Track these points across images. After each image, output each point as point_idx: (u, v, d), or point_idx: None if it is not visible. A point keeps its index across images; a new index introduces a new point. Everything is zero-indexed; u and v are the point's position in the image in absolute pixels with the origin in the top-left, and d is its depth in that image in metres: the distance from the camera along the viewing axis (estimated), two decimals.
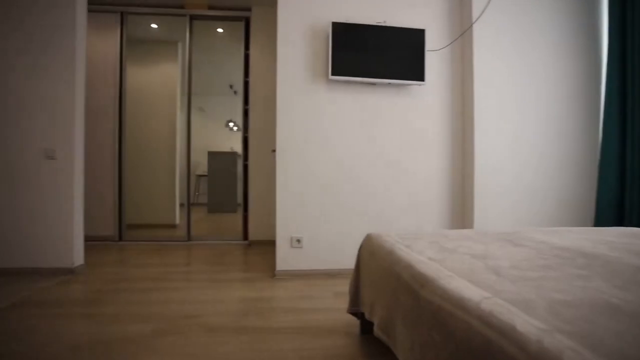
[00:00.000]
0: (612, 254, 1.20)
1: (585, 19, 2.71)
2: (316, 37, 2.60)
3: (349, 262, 1.90)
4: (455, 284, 0.90)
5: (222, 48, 4.32)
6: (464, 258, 1.17)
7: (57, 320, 1.76)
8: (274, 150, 2.70)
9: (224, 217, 4.49)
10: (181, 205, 3.93)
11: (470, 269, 1.04)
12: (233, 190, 4.27)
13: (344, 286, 1.86)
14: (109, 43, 3.64)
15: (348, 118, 2.64)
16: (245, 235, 3.72)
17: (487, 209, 2.60)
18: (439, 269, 1.04)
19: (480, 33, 2.60)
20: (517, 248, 1.32)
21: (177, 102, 3.95)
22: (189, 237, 3.73)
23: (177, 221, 4.01)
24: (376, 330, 1.26)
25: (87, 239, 2.81)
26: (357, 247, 1.68)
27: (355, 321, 1.66)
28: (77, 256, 2.59)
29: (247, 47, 3.73)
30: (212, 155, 4.53)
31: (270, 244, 2.84)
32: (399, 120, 2.69)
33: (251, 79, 3.65)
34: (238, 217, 3.96)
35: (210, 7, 3.73)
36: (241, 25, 3.77)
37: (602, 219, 2.55)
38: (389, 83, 2.60)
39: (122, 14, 3.66)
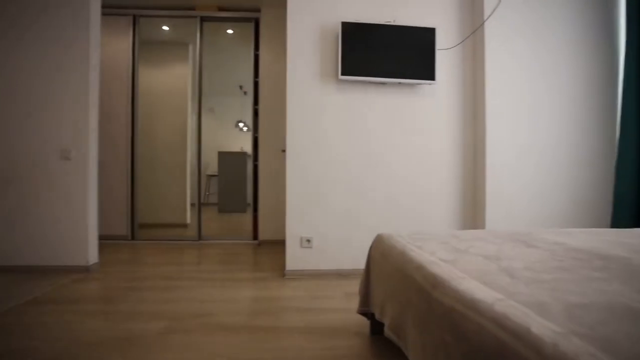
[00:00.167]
0: (630, 255, 1.17)
1: (600, 13, 2.64)
2: (325, 37, 2.60)
3: (359, 262, 1.89)
4: (468, 285, 0.89)
5: (232, 49, 4.36)
6: (476, 259, 1.16)
7: (73, 317, 1.80)
8: (283, 150, 2.71)
9: (233, 216, 4.53)
10: (192, 205, 3.98)
11: (483, 270, 1.02)
12: (243, 190, 4.30)
13: (354, 286, 1.85)
14: (122, 46, 3.70)
15: (358, 118, 2.63)
16: (255, 235, 3.74)
17: (499, 209, 2.56)
18: (451, 270, 1.03)
19: (492, 31, 2.56)
20: (531, 249, 1.29)
21: (188, 103, 4.00)
22: (199, 237, 3.77)
23: (188, 221, 4.07)
24: (387, 331, 1.26)
25: (101, 237, 2.86)
26: (367, 247, 1.68)
27: (365, 321, 1.65)
28: (92, 255, 2.65)
29: (256, 48, 3.75)
30: (222, 156, 4.58)
31: (280, 243, 2.85)
32: (409, 119, 2.67)
33: (261, 80, 3.67)
34: (248, 216, 3.99)
35: (220, 9, 3.76)
36: (251, 26, 3.79)
37: (619, 220, 2.48)
38: (399, 82, 2.59)
39: (134, 17, 3.72)
